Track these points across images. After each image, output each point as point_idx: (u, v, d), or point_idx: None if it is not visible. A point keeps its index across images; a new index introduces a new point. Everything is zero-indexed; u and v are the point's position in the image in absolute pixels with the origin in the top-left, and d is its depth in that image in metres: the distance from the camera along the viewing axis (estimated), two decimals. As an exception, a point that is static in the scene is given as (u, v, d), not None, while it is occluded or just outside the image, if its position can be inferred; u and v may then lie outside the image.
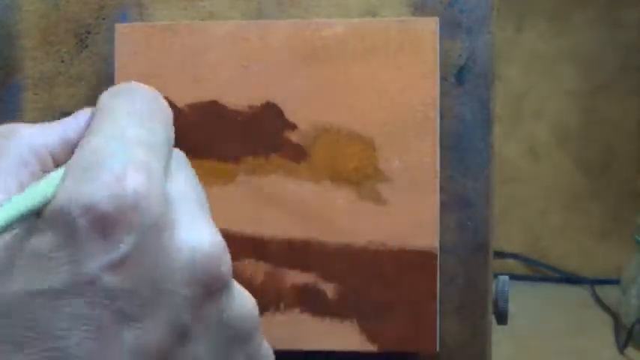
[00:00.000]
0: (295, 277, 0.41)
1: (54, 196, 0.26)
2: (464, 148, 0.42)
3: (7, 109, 0.44)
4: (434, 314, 0.41)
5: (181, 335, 0.27)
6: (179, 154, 0.31)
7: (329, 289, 0.41)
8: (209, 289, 0.27)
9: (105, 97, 0.30)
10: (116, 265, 0.25)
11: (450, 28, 0.42)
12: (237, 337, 0.29)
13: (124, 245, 0.25)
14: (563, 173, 1.07)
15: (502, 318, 0.43)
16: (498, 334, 0.45)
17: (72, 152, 0.28)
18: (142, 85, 0.30)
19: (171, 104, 0.42)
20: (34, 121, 0.44)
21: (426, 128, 0.41)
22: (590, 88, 1.06)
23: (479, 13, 0.42)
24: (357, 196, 0.41)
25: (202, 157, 0.42)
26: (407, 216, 0.41)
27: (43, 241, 0.25)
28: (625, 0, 1.05)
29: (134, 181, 0.26)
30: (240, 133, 0.42)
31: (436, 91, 0.41)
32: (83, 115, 0.30)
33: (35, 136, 0.29)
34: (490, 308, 0.42)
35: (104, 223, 0.25)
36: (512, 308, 0.44)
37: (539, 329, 0.91)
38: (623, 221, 1.03)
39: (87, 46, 0.44)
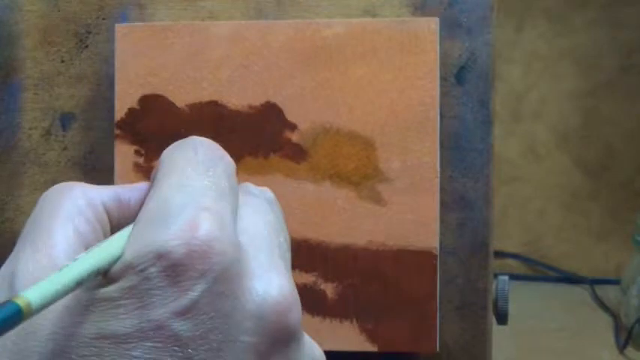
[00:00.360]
0: (295, 277, 0.41)
1: (124, 251, 0.26)
2: (464, 148, 0.42)
3: (7, 108, 0.44)
4: (434, 314, 0.41)
5: None
6: (258, 200, 0.31)
7: (329, 289, 0.41)
8: (277, 339, 0.27)
9: (167, 152, 0.30)
10: (185, 311, 0.25)
11: (450, 28, 0.42)
12: None
13: (194, 292, 0.25)
14: (562, 173, 1.07)
15: (502, 318, 0.43)
16: (498, 334, 0.45)
17: (126, 213, 0.29)
18: (202, 138, 0.31)
19: (172, 104, 0.42)
20: (34, 120, 0.44)
21: (426, 128, 0.41)
22: (590, 88, 1.06)
23: (479, 13, 0.42)
24: (357, 196, 0.41)
25: (202, 157, 0.42)
26: (407, 216, 0.41)
27: (113, 288, 0.26)
28: (625, 0, 1.05)
29: (206, 228, 0.26)
30: (240, 133, 0.42)
31: (436, 91, 0.41)
32: (143, 186, 0.31)
33: (89, 190, 0.30)
34: (490, 308, 0.42)
35: (175, 270, 0.25)
36: (512, 308, 0.44)
37: (539, 329, 0.91)
38: (623, 221, 1.03)
39: (87, 46, 0.44)
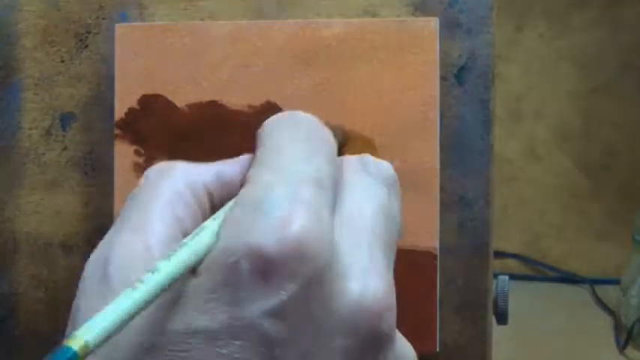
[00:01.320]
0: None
1: (218, 238, 0.25)
2: (464, 148, 0.42)
3: (7, 109, 0.44)
4: (434, 314, 0.41)
5: None
6: (372, 181, 0.29)
7: (329, 289, 0.41)
8: (369, 345, 0.26)
9: (268, 127, 0.29)
10: (276, 312, 0.24)
11: (450, 28, 0.42)
12: None
13: (286, 292, 0.24)
14: (562, 173, 1.07)
15: (502, 318, 0.43)
16: (498, 334, 0.45)
17: (228, 191, 0.28)
18: (305, 114, 0.29)
19: (171, 104, 0.42)
20: (34, 120, 0.44)
21: (426, 128, 0.41)
22: (590, 88, 1.06)
23: (479, 13, 0.42)
24: (357, 196, 0.41)
25: (202, 157, 0.42)
26: (407, 216, 0.41)
27: (204, 280, 0.25)
28: (625, 0, 1.05)
29: (300, 226, 0.25)
30: (240, 133, 0.42)
31: (436, 91, 0.41)
32: (244, 158, 0.30)
33: (190, 170, 0.29)
34: (490, 308, 0.42)
35: (267, 267, 0.24)
36: (512, 308, 0.44)
37: (539, 329, 0.91)
38: (623, 221, 1.03)
39: (87, 46, 0.44)
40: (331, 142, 0.29)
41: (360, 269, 0.26)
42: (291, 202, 0.25)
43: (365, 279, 0.26)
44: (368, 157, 0.29)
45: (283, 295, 0.24)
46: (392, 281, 0.27)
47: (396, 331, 0.28)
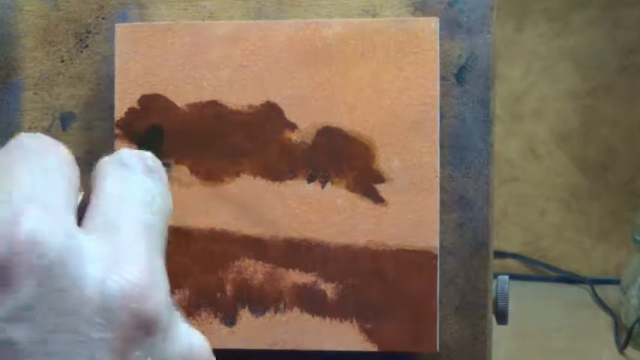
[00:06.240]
0: (295, 277, 0.41)
1: None
2: (464, 148, 0.42)
3: (7, 109, 0.44)
4: (434, 314, 0.41)
5: None
6: (126, 172, 0.27)
7: (329, 289, 0.41)
8: (133, 331, 0.24)
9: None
10: (17, 315, 0.23)
11: (450, 28, 0.42)
12: None
13: (23, 292, 0.23)
14: (562, 173, 1.07)
15: (502, 318, 0.43)
16: (498, 334, 0.45)
17: None
18: (29, 133, 0.28)
19: (172, 104, 0.42)
20: (34, 120, 0.44)
21: (426, 128, 0.41)
22: (590, 88, 1.06)
23: (479, 13, 0.42)
24: (357, 196, 0.41)
25: (202, 157, 0.42)
26: (407, 216, 0.41)
27: None
28: (625, 0, 1.05)
29: (30, 220, 0.23)
30: (240, 133, 0.42)
31: (436, 91, 0.41)
32: None
33: None
34: (490, 308, 0.42)
35: (1, 271, 0.23)
36: (512, 308, 0.44)
37: (539, 329, 0.91)
38: (623, 221, 1.03)
39: (87, 46, 0.44)
40: (61, 150, 0.28)
41: (111, 252, 0.25)
42: (17, 203, 0.24)
43: (117, 260, 0.24)
44: (122, 150, 0.28)
45: (21, 296, 0.23)
46: (156, 264, 0.25)
47: (177, 318, 0.26)
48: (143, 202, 0.27)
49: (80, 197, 0.28)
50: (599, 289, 1.02)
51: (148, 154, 0.28)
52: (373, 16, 0.43)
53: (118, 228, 0.26)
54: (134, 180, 0.27)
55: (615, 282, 0.98)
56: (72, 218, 0.25)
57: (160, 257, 0.26)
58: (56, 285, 0.23)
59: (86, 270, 0.24)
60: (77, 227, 0.25)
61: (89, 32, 0.44)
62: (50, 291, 0.23)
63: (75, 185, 0.27)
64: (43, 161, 0.26)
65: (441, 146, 0.42)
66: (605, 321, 0.94)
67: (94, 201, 0.26)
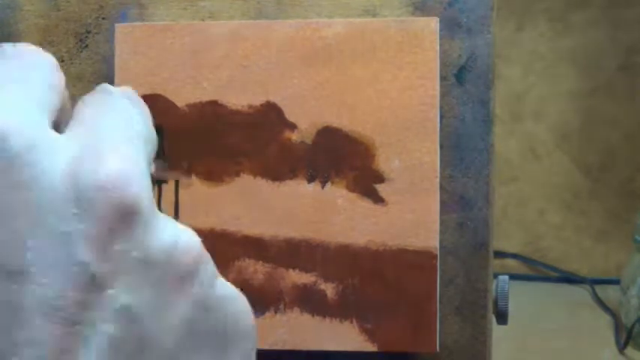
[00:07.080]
0: (295, 277, 0.41)
1: None
2: (464, 148, 0.42)
3: (7, 109, 0.44)
4: (434, 314, 0.41)
5: (89, 282, 0.23)
6: (111, 98, 0.27)
7: (329, 289, 0.41)
8: (112, 220, 0.23)
9: None
10: None
11: (450, 28, 0.42)
12: (174, 276, 0.24)
13: None
14: (562, 173, 1.07)
15: (502, 318, 0.43)
16: (498, 334, 0.45)
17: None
18: (14, 44, 0.27)
19: (172, 104, 0.42)
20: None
21: (426, 128, 0.41)
22: (590, 88, 1.06)
23: (479, 13, 0.42)
24: (357, 196, 0.41)
25: (202, 157, 0.42)
26: (407, 216, 0.41)
27: None
28: (625, 0, 1.05)
29: None
30: (240, 133, 0.42)
31: (436, 91, 0.41)
32: None
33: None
34: (490, 308, 0.42)
35: None
36: (512, 308, 0.44)
37: (539, 329, 0.91)
38: (623, 221, 1.03)
39: (87, 46, 0.44)
40: (45, 59, 0.27)
41: (83, 145, 0.24)
42: None
43: (86, 153, 0.24)
44: (104, 85, 0.28)
45: None
46: (137, 158, 0.24)
47: (161, 214, 0.25)
48: (125, 119, 0.26)
49: None
50: (599, 289, 1.02)
51: (129, 89, 0.28)
52: (373, 16, 0.43)
53: (97, 129, 0.25)
54: (114, 100, 0.27)
55: (615, 282, 0.98)
56: (45, 115, 0.24)
57: (143, 159, 0.25)
58: (19, 178, 0.22)
59: (57, 161, 0.23)
60: (49, 126, 0.24)
61: (89, 32, 0.44)
62: (14, 185, 0.22)
63: (56, 87, 0.26)
64: (20, 62, 0.26)
65: (441, 146, 0.42)
66: (605, 321, 0.94)
67: (74, 116, 0.26)
